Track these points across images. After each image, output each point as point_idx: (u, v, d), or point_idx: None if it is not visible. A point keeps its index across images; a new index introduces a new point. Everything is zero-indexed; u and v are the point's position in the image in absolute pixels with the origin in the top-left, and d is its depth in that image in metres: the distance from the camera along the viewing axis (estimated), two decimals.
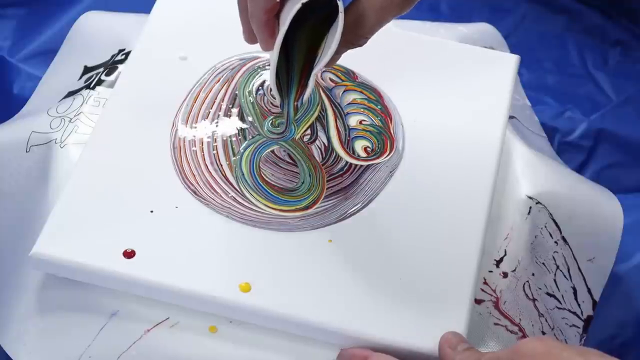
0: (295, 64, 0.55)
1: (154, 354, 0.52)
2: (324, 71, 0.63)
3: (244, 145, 0.59)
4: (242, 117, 0.60)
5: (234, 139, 0.59)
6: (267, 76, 0.62)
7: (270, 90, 0.60)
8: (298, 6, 0.48)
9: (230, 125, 0.60)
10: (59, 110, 0.64)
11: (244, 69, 0.63)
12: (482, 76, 0.63)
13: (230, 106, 0.61)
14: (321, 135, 0.60)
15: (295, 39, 0.54)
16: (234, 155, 0.58)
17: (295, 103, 0.57)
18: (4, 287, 0.56)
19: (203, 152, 0.58)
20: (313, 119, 0.61)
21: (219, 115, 0.60)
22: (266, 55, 0.63)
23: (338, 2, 0.48)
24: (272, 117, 0.60)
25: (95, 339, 0.53)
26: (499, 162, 0.59)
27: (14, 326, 0.54)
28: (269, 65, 0.62)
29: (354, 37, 0.50)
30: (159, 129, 0.59)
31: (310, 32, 0.53)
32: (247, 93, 0.62)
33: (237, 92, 0.62)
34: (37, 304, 0.54)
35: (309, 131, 0.60)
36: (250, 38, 0.54)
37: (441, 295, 0.53)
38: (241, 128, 0.60)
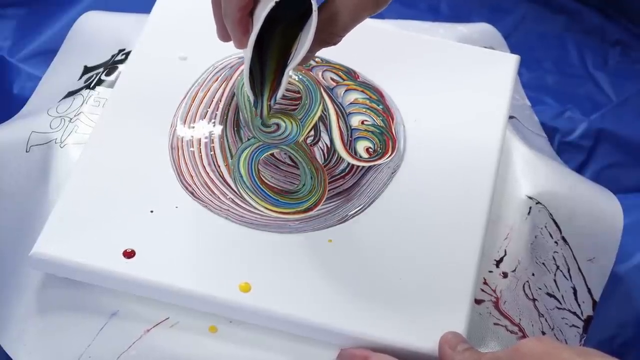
0: (269, 62, 0.55)
1: (154, 354, 0.52)
2: (325, 70, 0.63)
3: (241, 146, 0.59)
4: (238, 117, 0.60)
5: (230, 139, 0.59)
6: None
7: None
8: (272, 4, 0.48)
9: (227, 126, 0.60)
10: (59, 110, 0.64)
11: (243, 67, 0.63)
12: (482, 76, 0.63)
13: (228, 105, 0.61)
14: (324, 136, 0.60)
15: (269, 37, 0.54)
16: (232, 156, 0.58)
17: (269, 103, 0.57)
18: (4, 287, 0.56)
19: (201, 152, 0.58)
20: (316, 118, 0.61)
21: (216, 115, 0.60)
22: None
23: (312, 0, 0.48)
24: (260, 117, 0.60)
25: (95, 338, 0.53)
26: (499, 162, 0.59)
27: (14, 326, 0.54)
28: None
29: (328, 36, 0.50)
30: (158, 129, 0.59)
31: (284, 31, 0.54)
32: (244, 91, 0.62)
33: (235, 90, 0.62)
34: (37, 303, 0.54)
35: (312, 132, 0.60)
36: (224, 36, 0.54)
37: (441, 295, 0.53)
38: (237, 128, 0.60)
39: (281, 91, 0.55)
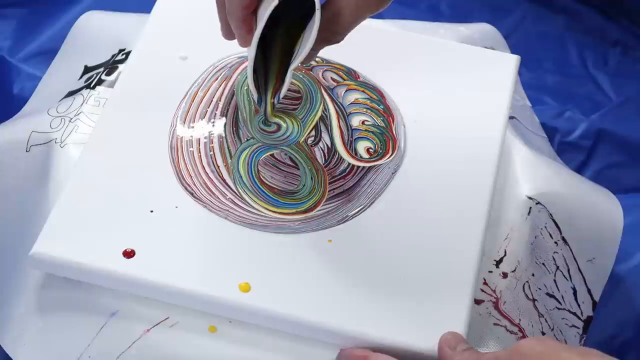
0: (272, 61, 0.55)
1: (154, 353, 0.52)
2: (325, 70, 0.63)
3: (240, 147, 0.59)
4: (237, 116, 0.60)
5: (229, 139, 0.59)
6: None
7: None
8: (275, 3, 0.49)
9: (227, 126, 0.60)
10: (59, 110, 0.64)
11: (243, 66, 0.63)
12: (483, 76, 0.63)
13: (227, 105, 0.61)
14: (325, 136, 0.60)
15: (273, 36, 0.54)
16: (231, 157, 0.58)
17: (272, 100, 0.57)
18: (4, 287, 0.56)
19: (200, 152, 0.58)
20: (317, 118, 0.60)
21: (215, 115, 0.60)
22: None
23: None
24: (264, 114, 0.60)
25: (95, 338, 0.53)
26: (499, 162, 0.59)
27: (14, 326, 0.54)
28: None
29: (330, 34, 0.51)
30: (158, 129, 0.59)
31: (287, 31, 0.54)
32: (244, 91, 0.62)
33: (234, 89, 0.62)
34: (37, 303, 0.54)
35: (313, 132, 0.60)
36: (228, 34, 0.54)
37: (441, 295, 0.53)
38: (236, 128, 0.60)
39: (284, 89, 0.55)
